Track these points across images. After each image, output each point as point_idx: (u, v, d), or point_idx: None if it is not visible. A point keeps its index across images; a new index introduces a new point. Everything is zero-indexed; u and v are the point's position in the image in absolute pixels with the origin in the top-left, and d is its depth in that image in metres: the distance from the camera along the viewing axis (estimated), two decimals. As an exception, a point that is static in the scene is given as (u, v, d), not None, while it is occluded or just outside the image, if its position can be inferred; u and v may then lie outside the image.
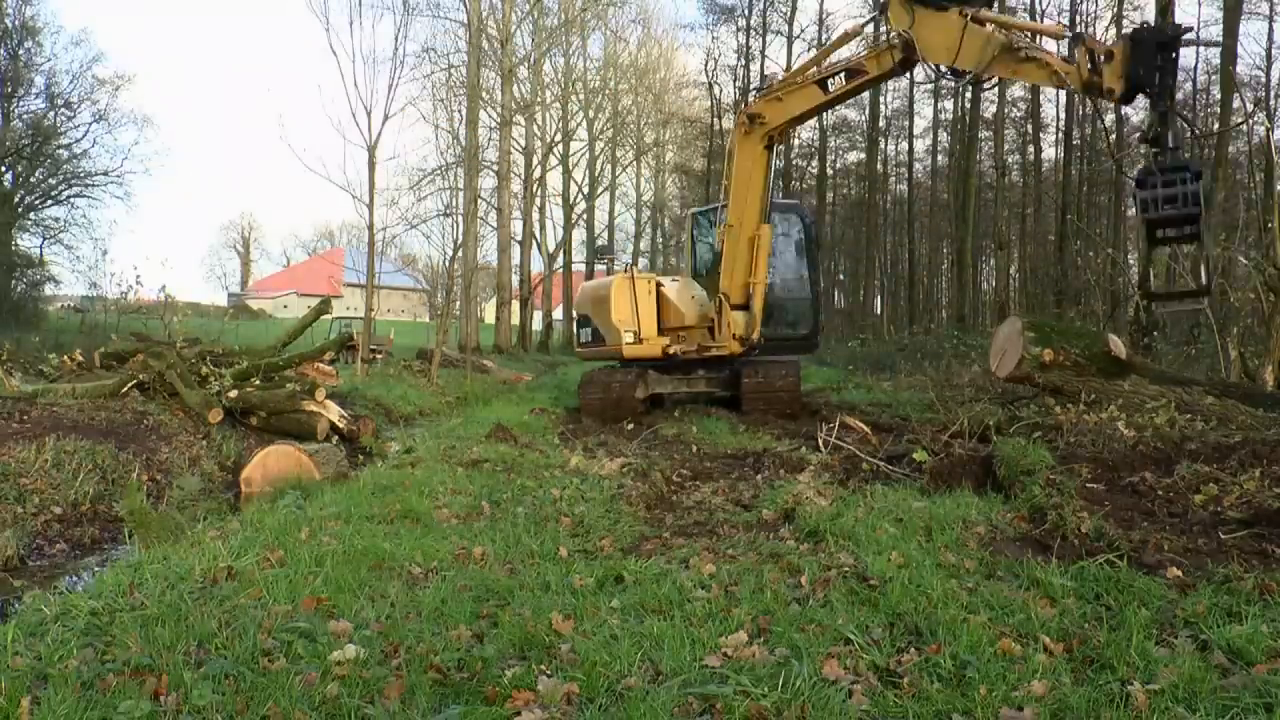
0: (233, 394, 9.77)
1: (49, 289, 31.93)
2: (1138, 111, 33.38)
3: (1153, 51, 7.72)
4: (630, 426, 10.48)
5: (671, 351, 11.88)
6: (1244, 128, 28.48)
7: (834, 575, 4.05)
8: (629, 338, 11.84)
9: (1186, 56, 46.29)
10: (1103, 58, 7.95)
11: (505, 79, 32.95)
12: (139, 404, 9.49)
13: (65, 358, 11.96)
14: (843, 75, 10.15)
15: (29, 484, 6.73)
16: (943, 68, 9.13)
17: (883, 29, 10.99)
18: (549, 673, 3.02)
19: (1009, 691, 2.81)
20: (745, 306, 11.48)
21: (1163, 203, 7.59)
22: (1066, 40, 8.33)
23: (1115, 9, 31.94)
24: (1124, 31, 8.68)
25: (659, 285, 12.62)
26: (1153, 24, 8.95)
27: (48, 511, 6.49)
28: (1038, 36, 8.76)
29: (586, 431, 10.09)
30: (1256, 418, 7.34)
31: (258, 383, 10.52)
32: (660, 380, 12.22)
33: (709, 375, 12.21)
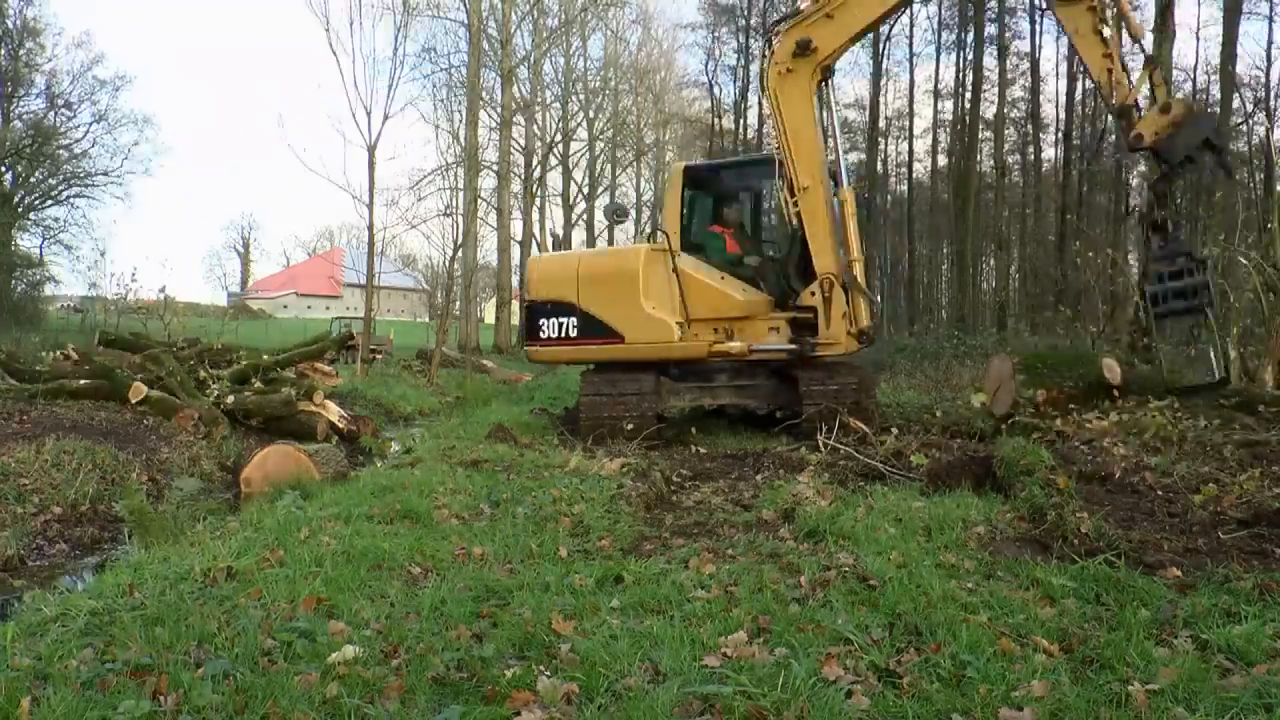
0: (230, 399, 9.77)
1: (49, 289, 32.03)
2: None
3: (1197, 138, 7.87)
4: (630, 427, 9.02)
5: (725, 350, 9.30)
6: (1244, 128, 28.52)
7: (834, 575, 4.05)
8: (676, 331, 9.22)
9: (1186, 56, 46.31)
10: (1156, 99, 8.03)
11: (505, 79, 32.96)
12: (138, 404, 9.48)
13: (59, 353, 11.96)
14: None
15: (29, 484, 6.73)
16: None
17: None
18: (549, 673, 3.02)
19: (1009, 691, 2.81)
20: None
21: (1172, 296, 7.91)
22: (1139, 45, 8.49)
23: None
24: (1185, 98, 9.10)
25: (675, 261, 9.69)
26: (1214, 114, 8.93)
27: (48, 511, 6.49)
28: (1119, 19, 8.51)
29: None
30: (1251, 423, 7.35)
31: (257, 384, 10.52)
32: (675, 390, 9.65)
33: (739, 384, 9.68)
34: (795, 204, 9.33)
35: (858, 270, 9.32)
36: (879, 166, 38.86)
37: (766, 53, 9.47)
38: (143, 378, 9.87)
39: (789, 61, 9.05)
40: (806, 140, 9.23)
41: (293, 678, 2.94)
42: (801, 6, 9.16)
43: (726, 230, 10.29)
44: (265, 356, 11.62)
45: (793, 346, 9.43)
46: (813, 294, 9.43)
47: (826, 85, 9.40)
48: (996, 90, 31.67)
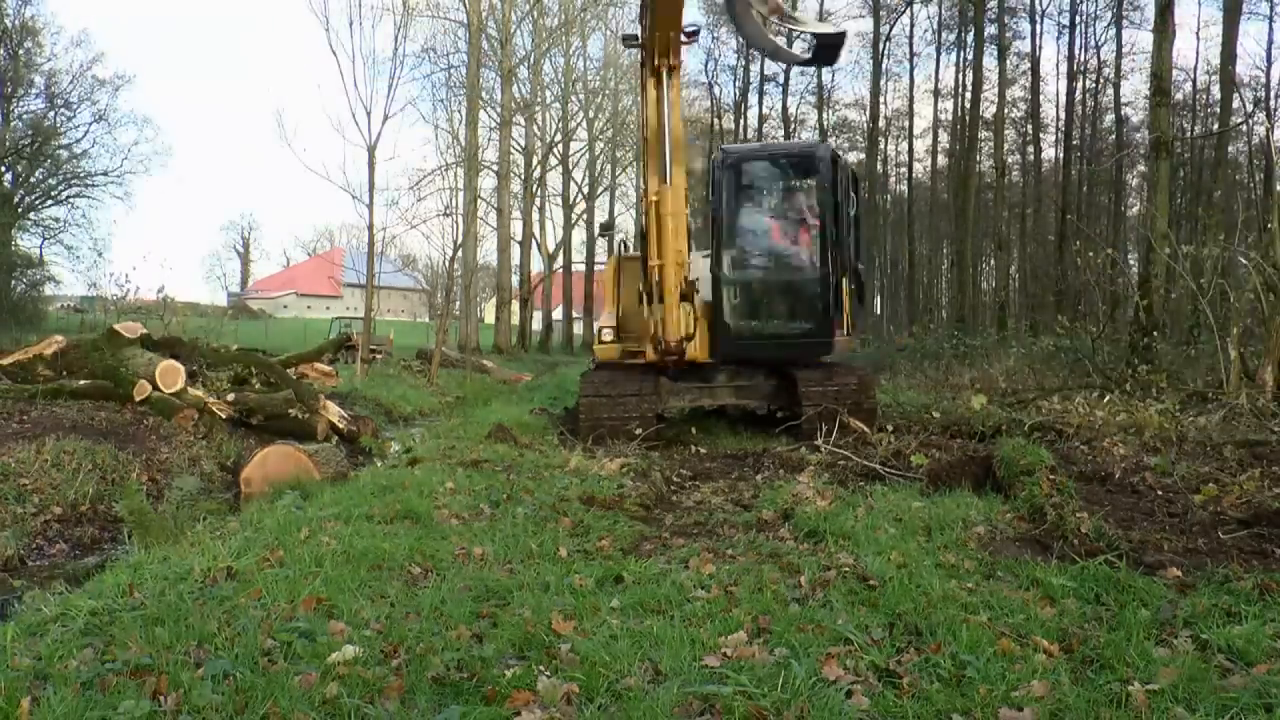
0: (230, 397, 9.77)
1: (49, 289, 31.96)
2: (1138, 112, 33.51)
3: None
4: (639, 432, 8.85)
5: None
6: (1244, 128, 28.53)
7: (834, 575, 4.05)
8: (607, 335, 10.01)
9: (1186, 56, 46.30)
10: None
11: (505, 79, 32.96)
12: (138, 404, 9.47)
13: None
14: None
15: (29, 484, 6.72)
16: None
17: None
18: (549, 673, 3.02)
19: (1009, 691, 2.81)
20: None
21: None
22: None
23: (1115, 9, 31.97)
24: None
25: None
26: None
27: (47, 511, 6.48)
28: None
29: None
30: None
31: (257, 384, 10.51)
32: (675, 390, 9.70)
33: (739, 384, 9.68)
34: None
35: (666, 277, 8.50)
36: (879, 166, 38.86)
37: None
38: (145, 375, 9.87)
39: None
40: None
41: (293, 678, 2.94)
42: None
43: None
44: (261, 356, 11.63)
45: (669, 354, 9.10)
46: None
47: (667, 80, 8.38)
48: (996, 90, 31.58)
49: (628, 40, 9.38)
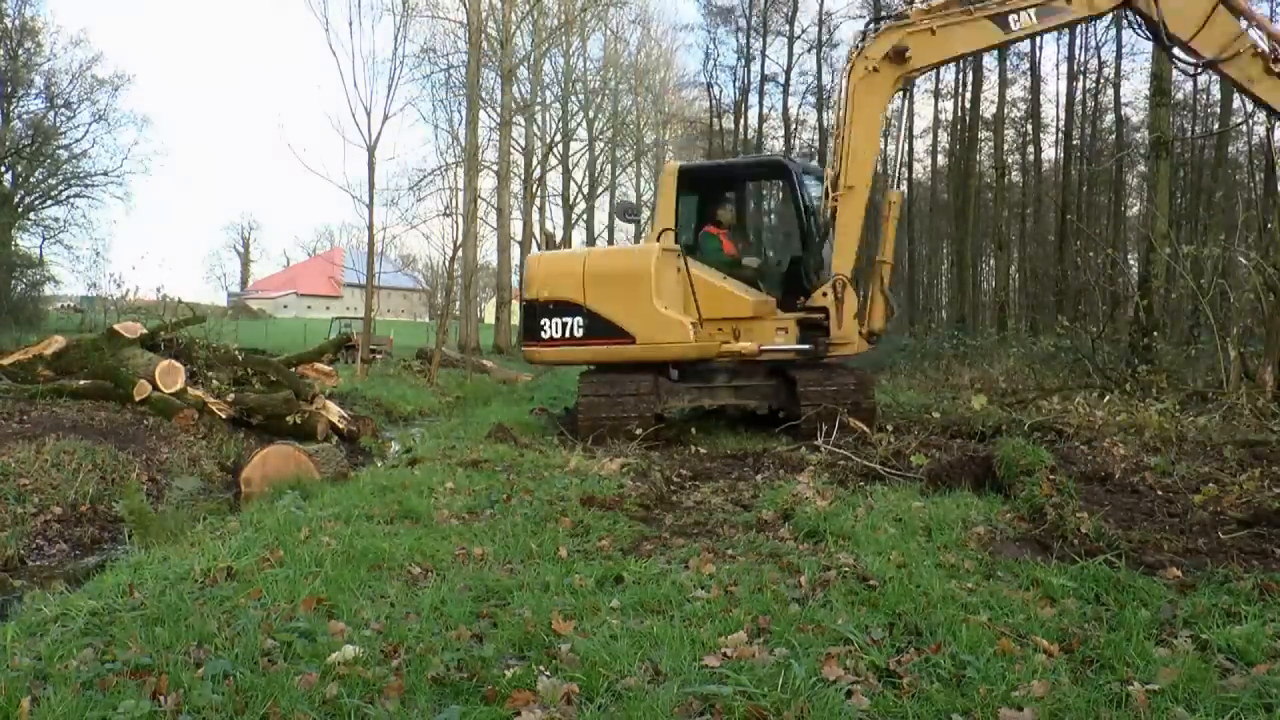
0: (230, 397, 9.77)
1: (49, 289, 32.01)
2: (1138, 112, 33.51)
3: None
4: (639, 432, 8.85)
5: (735, 350, 9.35)
6: (1244, 128, 28.51)
7: (833, 575, 4.05)
8: (691, 331, 9.11)
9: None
10: None
11: (505, 79, 32.99)
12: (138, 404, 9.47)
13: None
14: (1033, 11, 8.46)
15: (29, 484, 6.72)
16: (1168, 36, 7.85)
17: None
18: (549, 673, 3.02)
19: (1009, 691, 2.81)
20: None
21: None
22: None
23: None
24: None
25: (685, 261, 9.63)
26: None
27: (47, 511, 6.48)
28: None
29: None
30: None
31: (257, 385, 10.51)
32: (674, 391, 9.68)
33: (738, 385, 9.69)
34: (834, 200, 9.26)
35: (885, 273, 9.52)
36: (879, 166, 38.79)
37: (858, 44, 9.24)
38: (145, 375, 9.88)
39: (878, 61, 8.89)
40: (866, 142, 9.20)
41: (293, 678, 2.94)
42: (910, 12, 9.02)
43: (721, 231, 10.19)
44: (262, 356, 11.63)
45: (804, 347, 9.38)
46: (825, 294, 9.38)
47: (905, 95, 9.54)
48: (996, 90, 31.58)
49: None
